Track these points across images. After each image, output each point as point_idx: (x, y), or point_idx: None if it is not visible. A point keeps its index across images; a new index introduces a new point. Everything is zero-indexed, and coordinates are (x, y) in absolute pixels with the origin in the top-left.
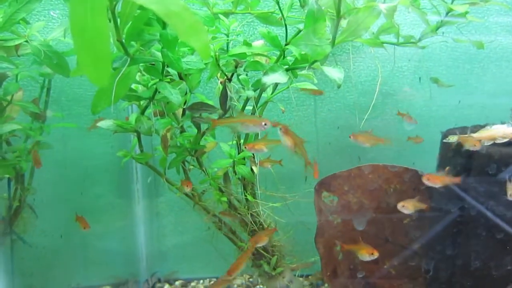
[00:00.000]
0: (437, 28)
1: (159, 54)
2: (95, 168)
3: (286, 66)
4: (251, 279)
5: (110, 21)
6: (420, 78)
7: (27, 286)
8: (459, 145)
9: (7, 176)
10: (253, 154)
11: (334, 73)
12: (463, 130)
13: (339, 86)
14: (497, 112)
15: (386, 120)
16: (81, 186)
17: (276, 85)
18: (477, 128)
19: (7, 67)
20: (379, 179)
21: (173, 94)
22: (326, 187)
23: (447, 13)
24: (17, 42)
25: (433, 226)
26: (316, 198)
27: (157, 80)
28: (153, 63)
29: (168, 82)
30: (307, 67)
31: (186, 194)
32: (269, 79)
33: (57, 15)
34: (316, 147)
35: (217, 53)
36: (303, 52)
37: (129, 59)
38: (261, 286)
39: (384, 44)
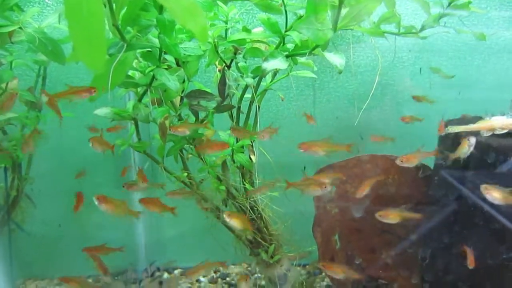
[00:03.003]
0: (439, 19)
1: (156, 40)
2: (93, 157)
3: (286, 53)
4: (249, 268)
5: (105, 6)
6: (420, 69)
7: (26, 274)
8: (457, 135)
9: (3, 165)
10: (251, 142)
11: (335, 59)
12: (462, 120)
13: (340, 72)
14: (497, 104)
15: (385, 110)
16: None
17: (275, 73)
18: (476, 119)
19: (1, 54)
20: (377, 169)
21: (171, 81)
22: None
23: (449, 4)
24: (10, 29)
25: (431, 215)
26: None
27: (154, 66)
28: (150, 49)
29: (166, 69)
30: (307, 53)
31: (184, 183)
32: (269, 65)
33: (51, 2)
34: (315, 138)
35: (215, 40)
36: (303, 38)
37: (125, 45)
38: (259, 274)
39: (385, 34)
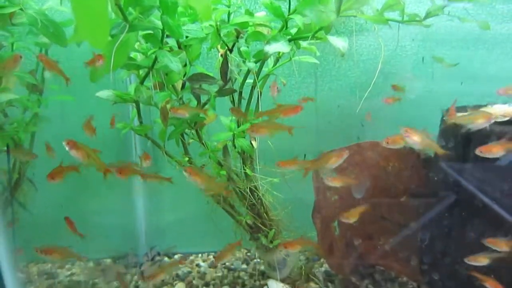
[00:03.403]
0: (443, 7)
1: (158, 22)
2: (94, 142)
3: (289, 37)
4: (248, 254)
5: None
6: (423, 58)
7: (28, 254)
8: (457, 125)
9: (6, 147)
10: None
11: (338, 42)
12: (463, 109)
13: (342, 55)
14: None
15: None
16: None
17: (277, 59)
18: (478, 108)
19: (2, 35)
20: (377, 156)
21: (173, 62)
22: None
23: None
24: (11, 10)
25: (430, 202)
26: (314, 174)
27: (157, 48)
28: (152, 31)
29: (168, 51)
30: (310, 37)
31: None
32: (271, 48)
33: None
34: (316, 125)
35: (218, 23)
36: (307, 22)
37: (127, 26)
38: (259, 259)
39: (389, 22)
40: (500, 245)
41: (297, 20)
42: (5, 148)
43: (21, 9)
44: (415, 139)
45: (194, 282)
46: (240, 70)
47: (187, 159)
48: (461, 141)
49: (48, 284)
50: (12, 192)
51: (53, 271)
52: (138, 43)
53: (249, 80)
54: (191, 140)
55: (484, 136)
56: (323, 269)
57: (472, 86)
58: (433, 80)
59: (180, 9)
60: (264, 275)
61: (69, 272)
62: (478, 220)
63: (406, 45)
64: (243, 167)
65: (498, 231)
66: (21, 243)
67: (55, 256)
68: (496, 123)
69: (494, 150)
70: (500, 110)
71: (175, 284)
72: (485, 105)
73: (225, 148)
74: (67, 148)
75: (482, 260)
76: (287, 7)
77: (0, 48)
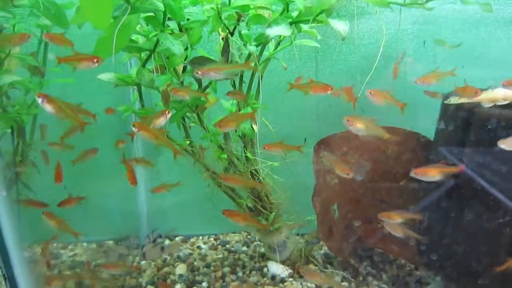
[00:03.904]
0: None
1: (160, 4)
2: (95, 125)
3: (290, 20)
4: (248, 236)
5: None
6: (424, 41)
7: (33, 232)
8: (458, 108)
9: (10, 129)
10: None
11: (339, 25)
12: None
13: (343, 39)
14: (500, 78)
15: (387, 83)
16: (82, 144)
17: (278, 42)
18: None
19: (3, 16)
20: (378, 140)
21: (175, 45)
22: (325, 147)
23: None
24: None
25: (429, 185)
26: (314, 158)
27: (158, 31)
28: (153, 13)
29: (169, 34)
30: (312, 20)
31: (187, 151)
32: (273, 31)
33: None
34: (316, 110)
35: (219, 6)
36: (308, 5)
37: (129, 8)
38: (259, 242)
39: (390, 5)
40: (394, 217)
41: (298, 3)
42: (9, 130)
43: None
44: (358, 127)
45: (195, 263)
46: (241, 53)
47: (188, 142)
48: (461, 125)
49: (52, 264)
50: (17, 173)
51: (56, 252)
52: (139, 25)
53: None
54: (192, 124)
55: (484, 120)
56: (322, 251)
57: (474, 69)
58: (435, 64)
59: None
60: (264, 257)
61: (72, 253)
62: (477, 202)
63: (407, 28)
64: (244, 151)
65: (496, 213)
66: (25, 223)
67: (53, 222)
68: (496, 106)
69: (430, 174)
70: (501, 94)
71: (177, 265)
72: (486, 89)
73: (226, 132)
74: (39, 102)
75: (395, 218)
76: None
77: (2, 29)
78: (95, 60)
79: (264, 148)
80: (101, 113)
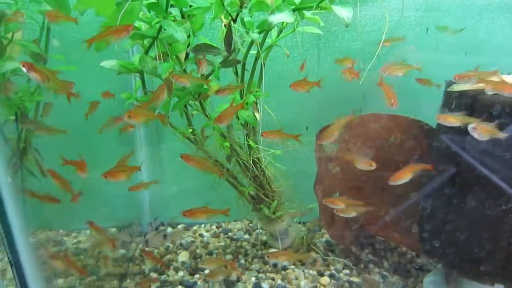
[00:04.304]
0: None
1: None
2: (97, 114)
3: (293, 7)
4: (250, 224)
5: None
6: (427, 28)
7: (38, 217)
8: (460, 95)
9: (13, 117)
10: (256, 99)
11: (342, 12)
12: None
13: (347, 26)
14: (505, 66)
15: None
16: (84, 132)
17: (280, 30)
18: None
19: (5, 2)
20: (380, 128)
21: (178, 32)
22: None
23: None
24: None
25: (432, 172)
26: (316, 146)
27: (161, 18)
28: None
29: (172, 21)
30: (315, 6)
31: (189, 139)
32: (275, 18)
33: None
34: (318, 97)
35: None
36: None
37: None
38: (261, 230)
39: None
40: (336, 203)
41: None
42: (13, 117)
43: None
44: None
45: (197, 251)
46: (244, 41)
47: (190, 130)
48: (465, 111)
49: (55, 251)
50: (21, 158)
51: (60, 239)
52: (142, 12)
53: (252, 51)
54: (194, 112)
55: (487, 106)
56: (324, 239)
57: (477, 56)
58: (437, 51)
59: None
60: (266, 245)
61: (75, 240)
62: (479, 189)
63: (410, 15)
64: (246, 139)
65: (498, 200)
66: (30, 209)
67: (57, 181)
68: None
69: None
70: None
71: (179, 253)
72: None
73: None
74: (24, 71)
75: (338, 203)
76: None
77: (4, 16)
78: (130, 28)
79: (262, 135)
80: (103, 100)
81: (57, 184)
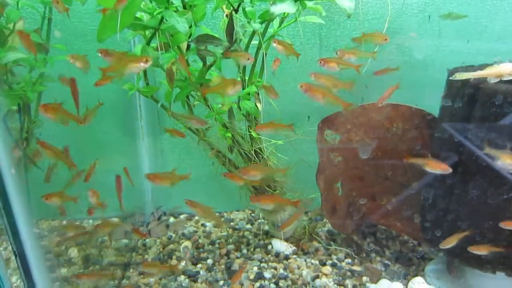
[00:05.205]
0: None
1: None
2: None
3: None
4: (252, 214)
5: None
6: (429, 16)
7: (41, 207)
8: (463, 84)
9: (15, 107)
10: (257, 90)
11: (344, 2)
12: (469, 69)
13: (349, 16)
14: (506, 52)
15: (391, 60)
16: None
17: (282, 20)
18: (484, 67)
19: None
20: (382, 118)
21: (180, 23)
22: (329, 125)
23: None
24: None
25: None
26: (318, 135)
27: (163, 8)
28: None
29: (174, 11)
30: None
31: (191, 130)
32: (277, 8)
33: None
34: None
35: None
36: None
37: None
38: (263, 220)
39: None
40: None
41: None
42: (15, 107)
43: None
44: None
45: (200, 241)
46: (245, 31)
47: None
48: (467, 101)
49: (59, 241)
50: (24, 149)
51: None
52: (143, 3)
53: (254, 42)
54: (196, 102)
55: (490, 95)
56: (325, 228)
57: (479, 44)
58: (440, 39)
59: None
60: (268, 235)
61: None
62: (481, 178)
63: (412, 3)
64: (248, 129)
65: (500, 189)
66: (34, 200)
67: (48, 153)
68: (502, 81)
69: None
70: (507, 68)
71: (182, 242)
72: (492, 64)
73: (230, 110)
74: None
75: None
76: None
77: (5, 5)
78: (145, 60)
79: (255, 130)
80: (105, 90)
81: (49, 155)
